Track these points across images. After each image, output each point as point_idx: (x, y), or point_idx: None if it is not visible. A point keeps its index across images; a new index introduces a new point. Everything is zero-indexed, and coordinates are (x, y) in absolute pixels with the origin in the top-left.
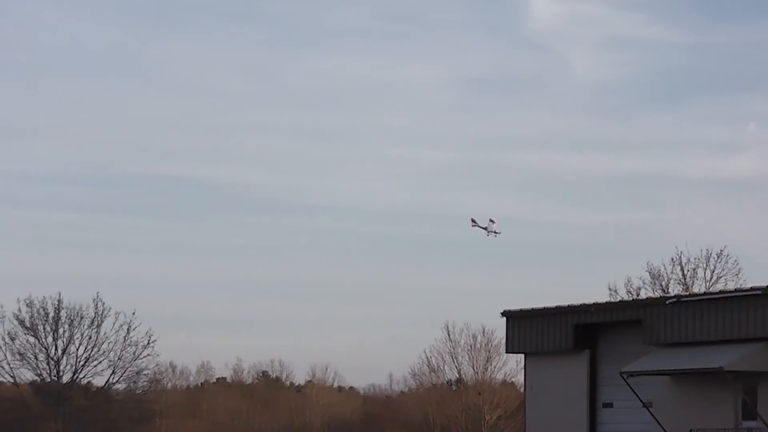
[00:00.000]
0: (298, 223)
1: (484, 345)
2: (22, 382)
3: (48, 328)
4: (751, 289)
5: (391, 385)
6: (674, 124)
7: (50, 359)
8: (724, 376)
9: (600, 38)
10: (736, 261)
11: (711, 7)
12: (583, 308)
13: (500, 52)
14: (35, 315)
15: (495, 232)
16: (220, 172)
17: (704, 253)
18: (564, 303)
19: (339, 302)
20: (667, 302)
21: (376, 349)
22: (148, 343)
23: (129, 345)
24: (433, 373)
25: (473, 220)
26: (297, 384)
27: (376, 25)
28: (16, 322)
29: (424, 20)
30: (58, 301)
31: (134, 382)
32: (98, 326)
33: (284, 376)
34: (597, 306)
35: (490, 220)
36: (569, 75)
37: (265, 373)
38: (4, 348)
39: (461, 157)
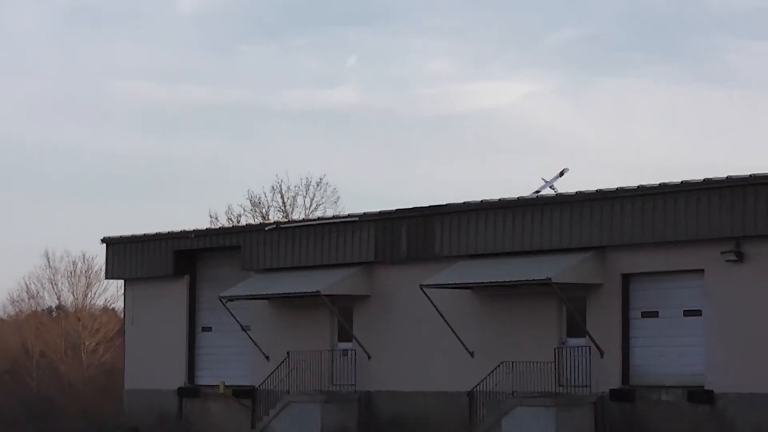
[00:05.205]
0: None
1: (84, 272)
2: None
3: None
4: (349, 216)
5: None
6: (276, 56)
7: None
8: (321, 300)
9: None
10: (334, 189)
11: None
12: (183, 235)
13: None
14: None
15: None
16: None
17: (304, 181)
18: (165, 230)
19: None
20: (266, 228)
21: None
22: None
23: None
24: (32, 300)
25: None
26: None
27: None
28: None
29: None
30: None
31: None
32: None
33: None
34: (197, 232)
35: (562, 172)
36: (172, 6)
37: None
38: None
39: (59, 87)
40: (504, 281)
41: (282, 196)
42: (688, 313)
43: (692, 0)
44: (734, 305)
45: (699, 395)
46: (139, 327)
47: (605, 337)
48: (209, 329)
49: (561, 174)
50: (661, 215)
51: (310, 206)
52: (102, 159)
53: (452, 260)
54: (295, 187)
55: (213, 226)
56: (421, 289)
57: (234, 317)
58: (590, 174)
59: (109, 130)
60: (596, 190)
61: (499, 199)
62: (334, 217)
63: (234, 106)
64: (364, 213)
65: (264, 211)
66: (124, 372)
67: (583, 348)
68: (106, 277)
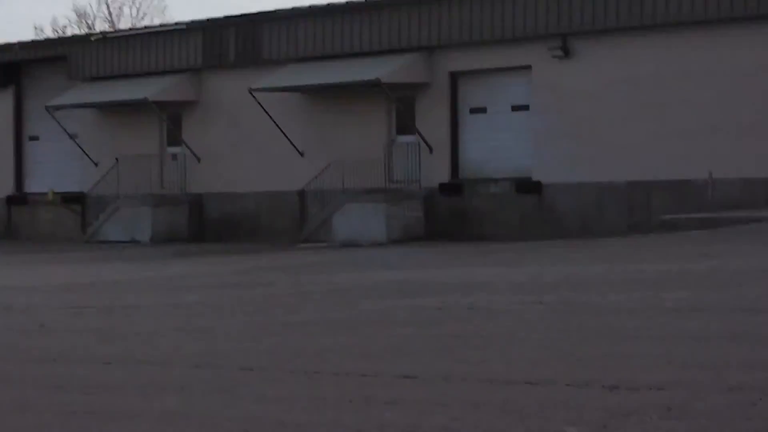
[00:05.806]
0: None
1: None
2: None
3: None
4: (176, 24)
5: None
6: None
7: None
8: (150, 107)
9: None
10: None
11: None
12: (7, 47)
13: None
14: None
15: None
16: None
17: None
18: None
19: None
20: (92, 39)
21: None
22: None
23: None
24: None
25: None
26: None
27: None
28: None
29: None
30: None
31: None
32: None
33: None
34: (21, 44)
35: None
36: None
37: None
38: None
39: None
40: (333, 83)
41: (108, 7)
42: (515, 108)
43: None
44: (560, 100)
45: (527, 186)
46: None
47: (434, 134)
48: (36, 138)
49: None
50: (489, 14)
51: (137, 16)
52: None
53: (281, 64)
54: None
55: (38, 38)
56: (250, 92)
57: (61, 126)
58: None
59: None
60: None
61: (328, 3)
62: (160, 26)
63: None
64: (192, 20)
65: (90, 22)
66: None
67: (413, 145)
68: None
